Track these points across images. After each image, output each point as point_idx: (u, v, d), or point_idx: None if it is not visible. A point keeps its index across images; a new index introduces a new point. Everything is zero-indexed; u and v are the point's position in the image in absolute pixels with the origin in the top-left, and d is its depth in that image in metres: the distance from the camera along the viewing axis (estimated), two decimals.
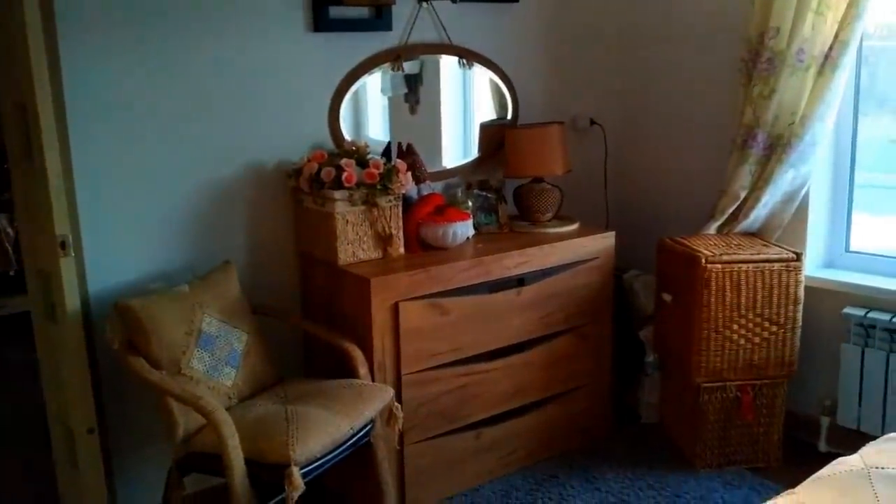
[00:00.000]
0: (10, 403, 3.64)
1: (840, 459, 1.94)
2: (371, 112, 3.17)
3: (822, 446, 3.12)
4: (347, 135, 3.05)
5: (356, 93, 3.05)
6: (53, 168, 2.26)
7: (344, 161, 2.69)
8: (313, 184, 2.71)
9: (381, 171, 2.70)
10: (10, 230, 4.67)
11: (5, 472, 3.22)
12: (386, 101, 3.18)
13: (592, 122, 3.62)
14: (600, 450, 3.20)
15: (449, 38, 3.15)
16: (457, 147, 3.40)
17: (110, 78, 2.49)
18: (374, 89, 3.13)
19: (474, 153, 3.37)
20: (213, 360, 2.43)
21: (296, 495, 2.10)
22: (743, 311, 2.89)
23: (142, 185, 2.60)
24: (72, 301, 2.35)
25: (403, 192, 2.79)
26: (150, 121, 2.59)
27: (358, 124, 3.12)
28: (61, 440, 2.66)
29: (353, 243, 2.72)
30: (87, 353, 2.46)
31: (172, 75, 2.60)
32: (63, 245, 2.28)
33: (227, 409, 2.36)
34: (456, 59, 3.20)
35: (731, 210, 3.15)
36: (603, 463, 3.10)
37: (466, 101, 3.42)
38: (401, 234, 2.82)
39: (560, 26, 3.51)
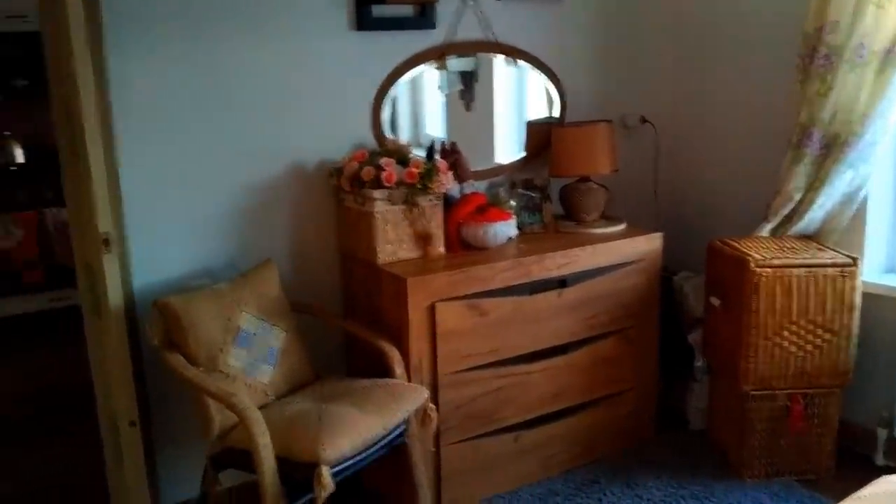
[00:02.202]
0: (76, 391, 3.79)
1: (886, 478, 1.86)
2: (429, 109, 3.17)
3: (879, 459, 2.98)
4: (405, 132, 3.05)
5: (414, 90, 3.05)
6: (97, 167, 2.30)
7: (384, 160, 2.68)
8: (354, 183, 2.72)
9: (421, 170, 2.69)
10: None
11: (64, 457, 3.33)
12: (443, 98, 3.17)
13: (644, 121, 3.53)
14: (644, 456, 3.13)
15: (494, 36, 3.11)
16: (509, 144, 3.37)
17: (156, 78, 2.54)
18: (431, 87, 3.12)
19: (521, 152, 3.33)
20: (250, 357, 2.46)
21: (325, 494, 2.11)
22: (794, 318, 2.78)
23: (186, 184, 2.65)
24: (115, 297, 2.40)
25: (444, 191, 2.77)
26: (195, 120, 2.63)
27: (416, 121, 3.12)
28: (108, 431, 2.73)
29: (393, 243, 2.72)
30: (132, 348, 2.51)
31: (217, 74, 2.64)
32: (106, 242, 2.33)
33: (264, 406, 2.40)
34: (502, 56, 3.17)
35: (785, 212, 3.03)
36: (646, 469, 3.04)
37: (520, 98, 3.38)
38: (441, 233, 2.80)
39: (610, 22, 3.44)
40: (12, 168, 4.90)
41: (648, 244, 3.08)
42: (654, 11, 3.54)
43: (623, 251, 3.02)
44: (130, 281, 2.57)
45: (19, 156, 4.93)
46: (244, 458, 2.22)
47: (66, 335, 4.50)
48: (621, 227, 3.14)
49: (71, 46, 2.21)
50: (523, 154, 3.32)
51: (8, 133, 4.94)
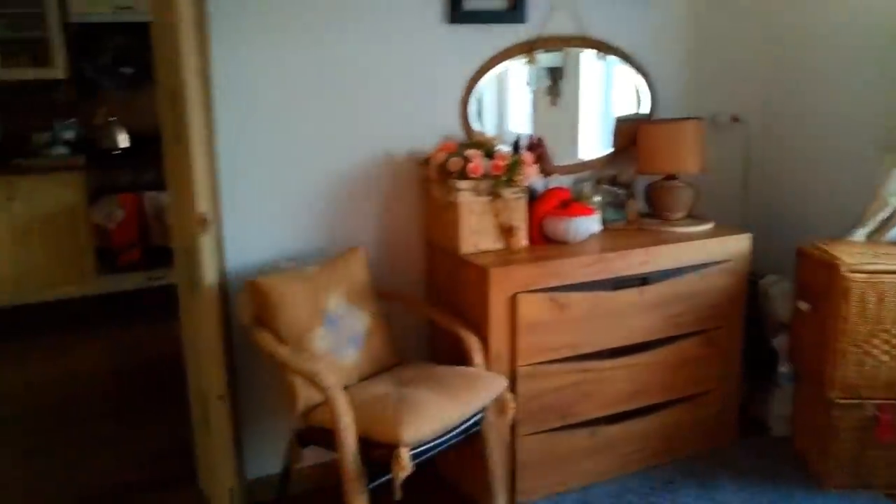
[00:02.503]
0: (167, 365, 3.99)
1: None
2: (514, 104, 3.19)
3: None
4: (490, 126, 3.08)
5: (500, 84, 3.08)
6: (197, 150, 2.41)
7: (471, 152, 2.71)
8: (441, 173, 2.76)
9: (507, 162, 2.71)
10: None
11: (154, 429, 3.50)
12: (528, 93, 3.19)
13: (735, 119, 3.46)
14: (722, 459, 3.08)
15: (585, 30, 3.11)
16: (594, 140, 3.36)
17: (255, 67, 2.64)
18: (517, 81, 3.14)
19: (608, 148, 3.32)
20: (335, 339, 2.53)
21: (403, 476, 2.15)
22: (887, 326, 2.69)
23: (280, 169, 2.74)
24: (209, 275, 2.51)
25: (528, 184, 2.79)
26: (291, 107, 2.72)
27: (501, 116, 3.15)
28: (197, 404, 2.86)
29: (477, 233, 2.75)
30: (223, 325, 2.62)
31: (313, 64, 2.72)
32: (203, 222, 2.44)
33: (347, 387, 2.46)
34: (594, 51, 3.17)
35: (881, 217, 2.93)
36: (724, 473, 2.99)
37: (608, 94, 3.36)
38: (524, 226, 2.82)
39: (705, 19, 3.38)
40: (116, 152, 5.16)
41: (736, 245, 3.03)
42: (752, 9, 3.46)
43: (709, 251, 2.98)
44: (224, 261, 2.68)
45: (123, 140, 5.19)
46: (327, 436, 2.29)
47: (159, 312, 4.72)
48: (708, 226, 3.10)
49: (178, 36, 2.33)
50: (610, 150, 3.31)
51: (114, 118, 5.20)
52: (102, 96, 5.28)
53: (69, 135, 5.15)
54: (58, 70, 5.00)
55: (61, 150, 5.06)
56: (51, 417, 3.66)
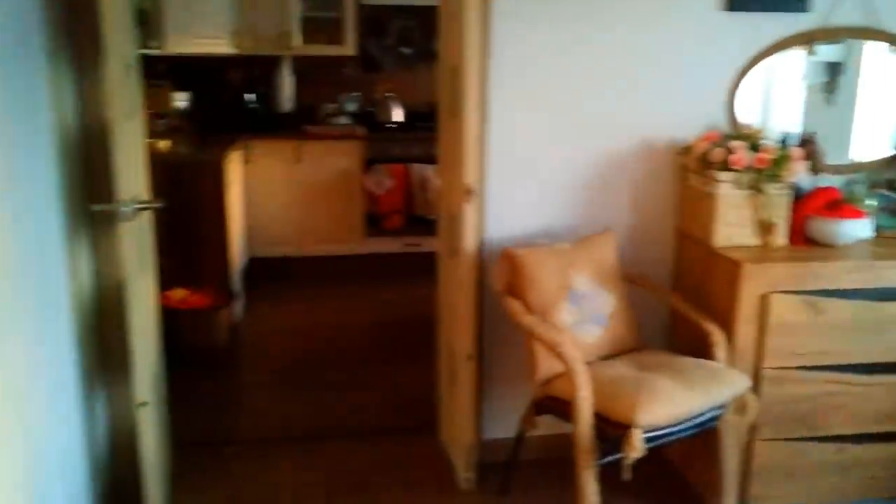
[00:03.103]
0: (417, 324, 4.32)
1: None
2: (781, 98, 3.07)
3: None
4: (753, 119, 2.99)
5: (768, 76, 2.98)
6: (470, 123, 2.60)
7: (735, 143, 2.67)
8: (701, 163, 2.74)
9: (773, 157, 2.63)
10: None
11: (403, 380, 3.82)
12: (800, 88, 3.05)
13: None
14: None
15: (876, 22, 2.90)
16: (870, 141, 3.14)
17: (529, 51, 2.77)
18: (787, 74, 3.01)
19: (889, 150, 3.08)
20: (579, 316, 2.62)
21: (633, 457, 2.20)
22: None
23: (542, 148, 2.87)
24: (470, 242, 2.70)
25: (794, 181, 2.68)
26: (558, 92, 2.83)
27: (766, 109, 3.04)
28: (446, 360, 3.09)
29: (732, 227, 2.70)
30: (477, 290, 2.80)
31: (583, 49, 2.81)
32: (469, 192, 2.63)
33: (586, 363, 2.55)
34: (885, 44, 2.95)
35: None
36: None
37: (893, 91, 3.12)
38: (784, 224, 2.72)
39: None
40: (390, 125, 5.61)
41: None
42: None
43: None
44: (483, 230, 2.86)
45: (397, 115, 5.63)
46: (563, 407, 2.39)
47: (414, 276, 5.09)
48: None
49: (464, 14, 2.52)
50: (890, 153, 3.06)
51: (391, 94, 5.66)
52: (383, 73, 5.77)
53: (352, 107, 5.69)
54: (348, 48, 5.53)
55: (344, 120, 5.60)
56: (314, 358, 4.10)
